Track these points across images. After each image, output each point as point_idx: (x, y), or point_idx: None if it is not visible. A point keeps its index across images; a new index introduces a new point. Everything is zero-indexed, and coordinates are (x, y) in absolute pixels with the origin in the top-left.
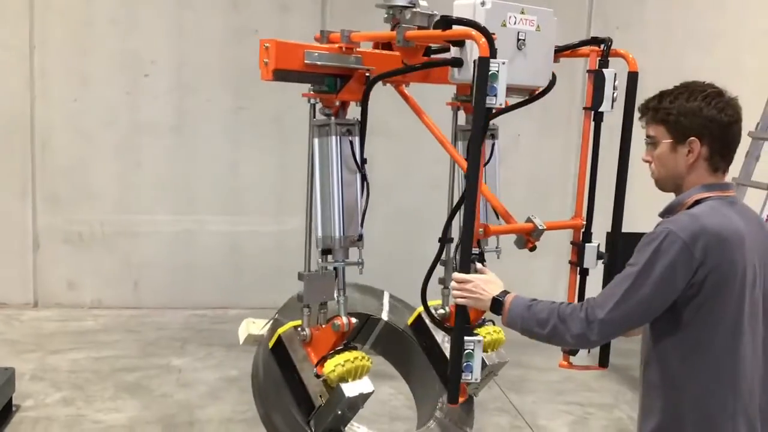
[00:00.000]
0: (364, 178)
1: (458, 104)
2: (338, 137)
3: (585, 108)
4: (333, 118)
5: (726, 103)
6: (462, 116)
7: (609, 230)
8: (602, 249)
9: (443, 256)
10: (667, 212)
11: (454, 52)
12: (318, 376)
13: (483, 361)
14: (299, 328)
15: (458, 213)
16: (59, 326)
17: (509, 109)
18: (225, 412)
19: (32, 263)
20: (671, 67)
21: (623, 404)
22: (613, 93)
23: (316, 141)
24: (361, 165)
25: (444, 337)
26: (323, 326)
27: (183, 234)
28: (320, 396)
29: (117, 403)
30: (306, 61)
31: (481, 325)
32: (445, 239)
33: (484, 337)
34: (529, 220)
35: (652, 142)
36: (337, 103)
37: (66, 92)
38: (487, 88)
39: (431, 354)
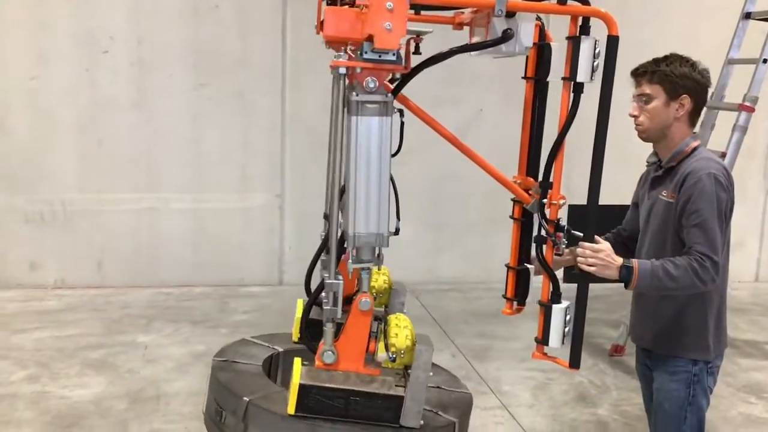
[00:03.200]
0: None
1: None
2: (391, 117)
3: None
4: (390, 94)
5: (705, 71)
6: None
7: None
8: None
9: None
10: (672, 159)
11: (498, 23)
12: (394, 359)
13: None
14: (307, 363)
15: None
16: (22, 306)
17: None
18: (192, 385)
19: None
20: (628, 36)
21: (584, 369)
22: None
23: (359, 120)
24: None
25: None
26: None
27: (146, 212)
28: (396, 385)
29: (83, 379)
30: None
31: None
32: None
33: (383, 275)
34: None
35: (646, 99)
36: (398, 76)
37: (24, 70)
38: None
39: None
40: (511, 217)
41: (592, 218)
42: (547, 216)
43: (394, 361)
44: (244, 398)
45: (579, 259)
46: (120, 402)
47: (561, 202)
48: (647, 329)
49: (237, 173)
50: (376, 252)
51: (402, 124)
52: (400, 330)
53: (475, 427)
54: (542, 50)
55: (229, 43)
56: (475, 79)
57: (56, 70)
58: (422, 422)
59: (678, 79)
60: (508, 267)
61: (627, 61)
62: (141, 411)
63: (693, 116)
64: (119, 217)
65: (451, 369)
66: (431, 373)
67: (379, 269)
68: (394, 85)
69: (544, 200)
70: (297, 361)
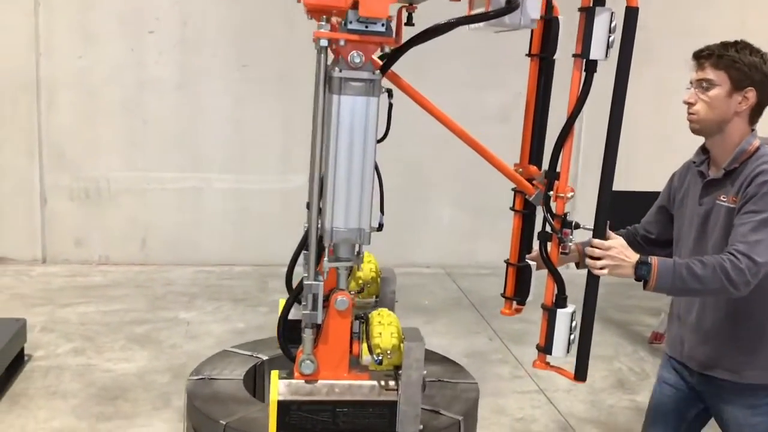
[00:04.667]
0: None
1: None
2: (378, 98)
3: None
4: (378, 71)
5: None
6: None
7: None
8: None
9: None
10: (734, 161)
11: None
12: (380, 362)
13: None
14: (285, 374)
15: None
16: (68, 281)
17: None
18: None
19: (40, 220)
20: (677, 24)
21: (623, 356)
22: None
23: (341, 99)
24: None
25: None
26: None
27: (189, 191)
28: (387, 389)
29: (127, 353)
30: None
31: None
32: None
33: (369, 263)
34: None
35: (707, 86)
36: (388, 49)
37: (71, 49)
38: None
39: None
40: (512, 208)
41: (603, 211)
42: (553, 210)
43: (380, 363)
44: (221, 421)
45: (588, 261)
46: (163, 376)
47: (569, 194)
48: (714, 353)
49: (278, 154)
50: (357, 249)
51: (390, 105)
52: (384, 328)
53: (513, 411)
54: (549, 24)
55: (273, 25)
56: (519, 61)
57: (102, 50)
58: (421, 426)
59: (746, 69)
60: (507, 263)
61: (676, 49)
62: (183, 385)
63: (754, 114)
64: (163, 196)
65: (488, 353)
66: (424, 372)
67: (358, 269)
68: (384, 61)
69: (550, 192)
70: (274, 375)
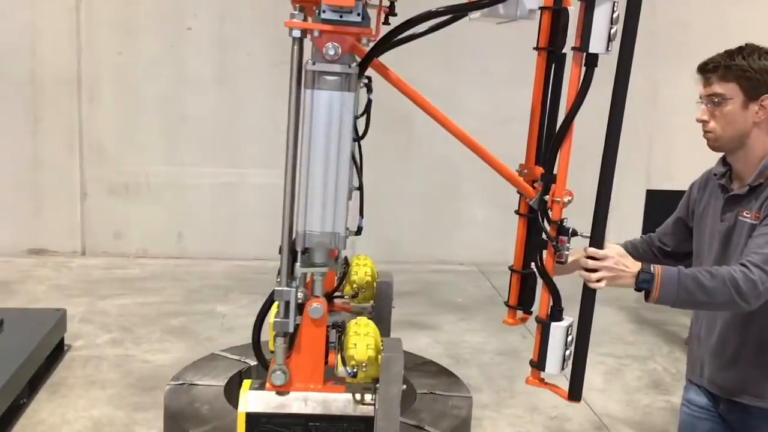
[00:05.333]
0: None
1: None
2: (356, 93)
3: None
4: (354, 65)
5: None
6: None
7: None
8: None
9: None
10: (760, 176)
11: None
12: (354, 375)
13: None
14: (258, 382)
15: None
16: (106, 273)
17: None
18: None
19: (80, 213)
20: (715, 20)
21: (658, 357)
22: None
23: (316, 94)
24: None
25: None
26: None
27: (226, 186)
28: (364, 403)
29: (164, 344)
30: None
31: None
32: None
33: (364, 266)
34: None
35: (718, 101)
36: (366, 42)
37: (111, 45)
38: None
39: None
40: (517, 212)
41: (601, 216)
42: (550, 215)
43: (354, 376)
44: (190, 431)
45: (582, 273)
46: None
47: (566, 199)
48: (738, 378)
49: None
50: (337, 253)
51: (369, 101)
52: (360, 338)
53: (547, 409)
54: (557, 15)
55: None
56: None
57: (142, 46)
58: None
59: (758, 75)
60: (511, 270)
61: (717, 46)
62: None
63: None
64: (200, 191)
65: (521, 351)
66: (404, 387)
67: (339, 274)
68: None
69: (546, 196)
70: (245, 384)
